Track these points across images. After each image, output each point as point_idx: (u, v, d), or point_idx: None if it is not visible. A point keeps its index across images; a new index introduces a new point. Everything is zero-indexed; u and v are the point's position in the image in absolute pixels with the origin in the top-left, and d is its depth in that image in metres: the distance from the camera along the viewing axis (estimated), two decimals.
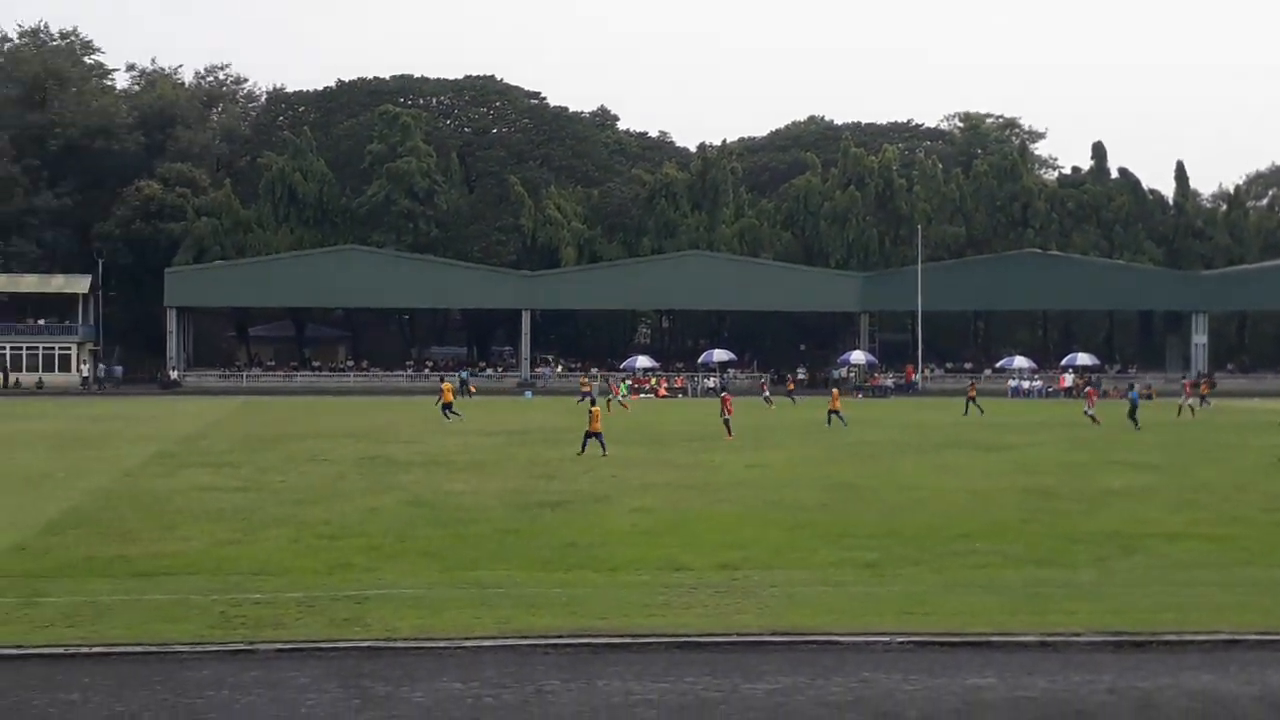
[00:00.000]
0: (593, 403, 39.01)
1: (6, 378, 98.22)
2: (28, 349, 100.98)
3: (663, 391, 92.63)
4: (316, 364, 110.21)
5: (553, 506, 25.26)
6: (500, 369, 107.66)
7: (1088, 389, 60.28)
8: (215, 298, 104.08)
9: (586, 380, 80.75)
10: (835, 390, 58.72)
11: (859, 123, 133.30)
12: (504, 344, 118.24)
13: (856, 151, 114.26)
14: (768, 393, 77.09)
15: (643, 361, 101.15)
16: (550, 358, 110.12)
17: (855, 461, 35.89)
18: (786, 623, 14.48)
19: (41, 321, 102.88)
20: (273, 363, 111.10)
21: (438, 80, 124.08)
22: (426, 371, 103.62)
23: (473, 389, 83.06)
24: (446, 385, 57.56)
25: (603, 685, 11.98)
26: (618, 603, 15.65)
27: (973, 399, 63.51)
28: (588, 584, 17.05)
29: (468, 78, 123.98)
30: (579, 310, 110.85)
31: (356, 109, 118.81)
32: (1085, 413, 55.79)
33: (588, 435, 37.75)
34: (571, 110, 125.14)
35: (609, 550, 19.79)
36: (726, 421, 46.11)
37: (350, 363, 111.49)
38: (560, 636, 13.74)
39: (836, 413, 52.36)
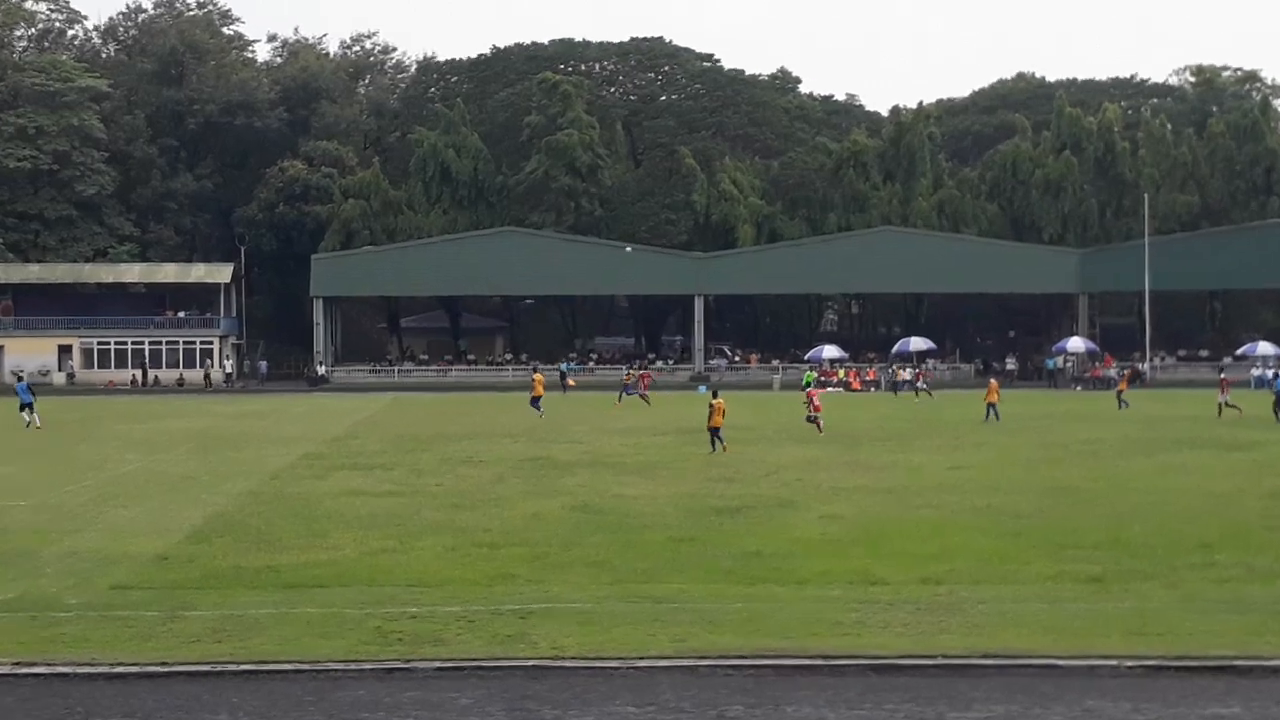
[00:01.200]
0: (714, 395, 39.93)
1: (145, 374, 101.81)
2: (167, 344, 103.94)
3: (856, 385, 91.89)
4: (472, 357, 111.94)
5: (733, 513, 25.31)
6: (671, 361, 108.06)
7: (1221, 377, 59.02)
8: (364, 286, 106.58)
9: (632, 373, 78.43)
10: (993, 381, 58.49)
11: (1074, 79, 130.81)
12: (675, 333, 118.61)
13: (1072, 112, 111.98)
14: (923, 383, 77.09)
15: (830, 351, 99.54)
16: (726, 348, 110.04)
17: (1074, 461, 35.22)
18: (998, 644, 14.25)
19: (182, 314, 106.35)
20: (425, 356, 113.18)
21: (601, 44, 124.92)
22: (592, 365, 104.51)
23: (571, 382, 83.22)
24: (538, 377, 59.65)
25: (791, 711, 11.88)
26: (806, 619, 15.57)
27: (1121, 393, 63.67)
28: (772, 598, 17.04)
29: (633, 40, 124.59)
30: (757, 295, 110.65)
31: (513, 78, 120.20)
32: (1222, 403, 54.77)
33: (712, 431, 38.50)
34: (748, 73, 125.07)
35: (795, 561, 19.79)
36: (814, 419, 46.36)
37: (508, 355, 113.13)
38: (742, 656, 13.71)
39: (993, 406, 52.21)
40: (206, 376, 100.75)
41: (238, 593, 17.63)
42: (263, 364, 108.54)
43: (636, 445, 41.34)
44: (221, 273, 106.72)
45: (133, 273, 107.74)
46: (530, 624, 15.43)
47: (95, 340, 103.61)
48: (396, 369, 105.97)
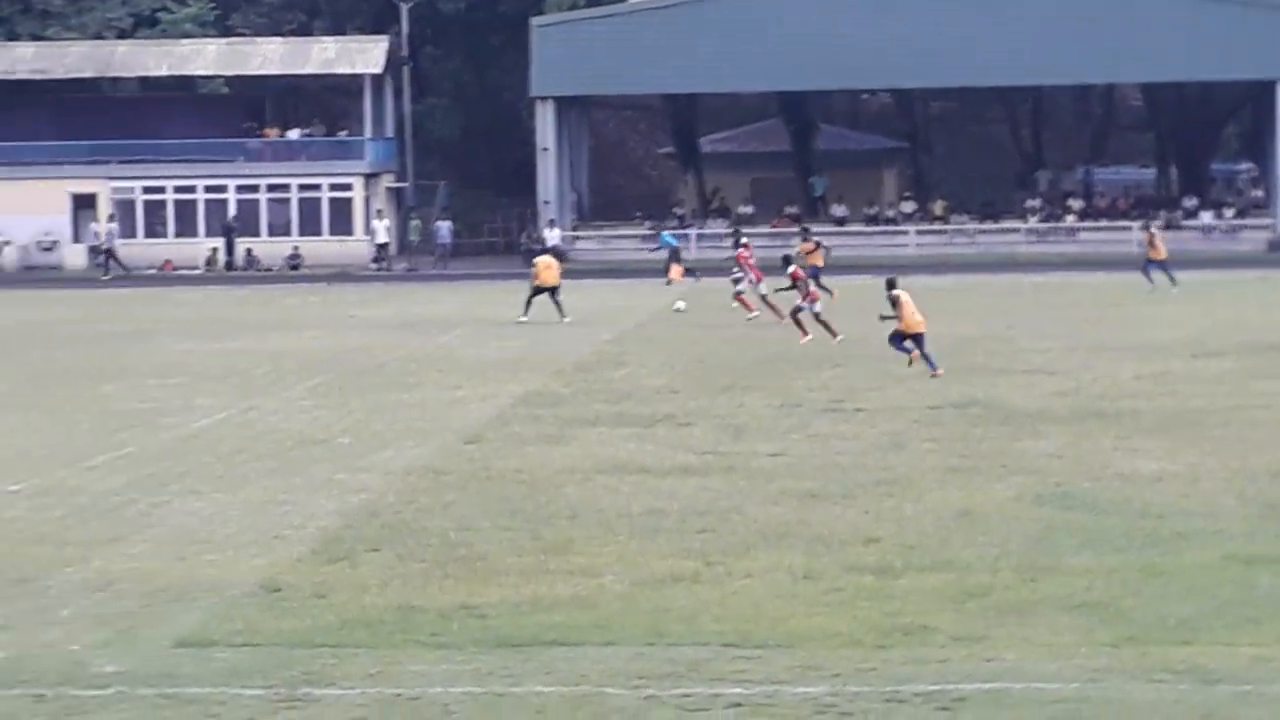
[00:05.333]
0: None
1: (230, 246, 66.56)
2: (269, 190, 67.99)
3: None
4: (840, 209, 70.87)
5: None
6: (1229, 210, 68.76)
7: None
8: (632, 76, 67.46)
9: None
10: None
11: None
12: (1235, 158, 79.90)
13: None
14: None
15: None
16: None
17: None
18: None
19: (295, 134, 70.52)
20: (748, 209, 70.45)
21: None
22: (1071, 219, 68.46)
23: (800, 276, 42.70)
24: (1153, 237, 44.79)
25: None
26: None
27: None
28: None
29: None
30: None
31: None
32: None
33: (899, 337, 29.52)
34: None
35: None
36: (796, 311, 34.15)
37: (905, 204, 72.92)
38: None
39: None
40: (380, 248, 66.60)
41: (407, 654, 13.13)
42: (444, 227, 69.13)
43: (1160, 376, 28.69)
44: (367, 56, 68.33)
45: (204, 58, 68.90)
46: None
47: (138, 184, 67.06)
48: (695, 231, 67.76)
